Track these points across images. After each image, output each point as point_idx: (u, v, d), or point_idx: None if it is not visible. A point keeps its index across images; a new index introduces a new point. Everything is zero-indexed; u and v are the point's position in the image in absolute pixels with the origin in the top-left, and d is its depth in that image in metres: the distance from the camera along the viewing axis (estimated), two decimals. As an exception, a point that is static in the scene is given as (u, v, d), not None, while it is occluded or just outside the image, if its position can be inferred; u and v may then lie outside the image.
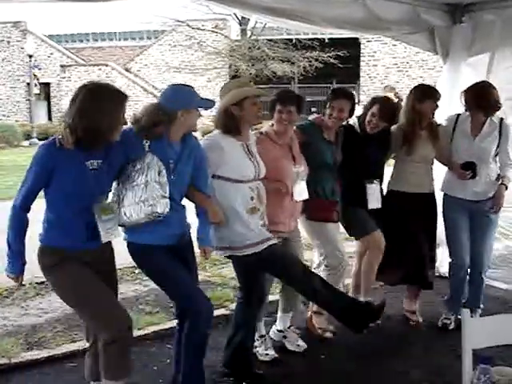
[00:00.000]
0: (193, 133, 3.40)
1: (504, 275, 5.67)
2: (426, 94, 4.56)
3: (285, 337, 4.40)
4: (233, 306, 5.01)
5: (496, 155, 4.56)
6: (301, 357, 4.27)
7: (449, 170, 4.72)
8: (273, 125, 4.01)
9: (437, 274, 5.56)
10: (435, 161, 4.73)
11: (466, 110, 4.58)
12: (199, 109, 3.34)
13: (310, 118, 4.45)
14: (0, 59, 31.25)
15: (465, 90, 4.57)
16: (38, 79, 28.33)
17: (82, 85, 3.04)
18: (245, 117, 3.62)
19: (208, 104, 3.36)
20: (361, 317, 3.72)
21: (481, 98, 4.46)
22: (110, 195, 3.19)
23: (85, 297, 3.07)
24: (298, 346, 4.36)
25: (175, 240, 3.34)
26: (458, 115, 4.66)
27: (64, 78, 30.61)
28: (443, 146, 4.64)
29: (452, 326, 4.68)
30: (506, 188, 4.54)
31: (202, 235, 3.51)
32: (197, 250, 3.53)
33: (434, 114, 4.63)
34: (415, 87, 4.69)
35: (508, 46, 5.28)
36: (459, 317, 4.48)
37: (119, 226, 3.20)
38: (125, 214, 3.12)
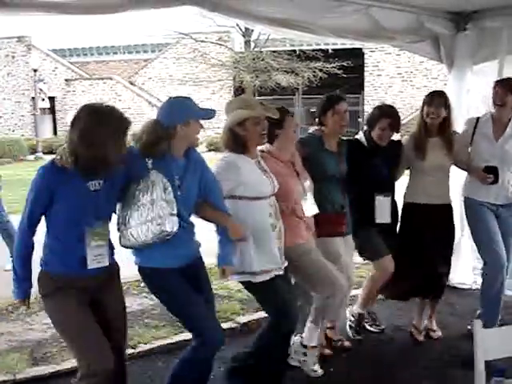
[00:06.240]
0: (198, 145, 3.30)
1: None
2: (429, 99, 4.44)
3: (305, 354, 4.10)
4: (239, 318, 4.99)
5: None
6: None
7: (469, 173, 4.59)
8: (271, 143, 3.84)
9: (447, 284, 5.50)
10: (453, 169, 4.58)
11: (494, 104, 4.41)
12: (200, 120, 3.22)
13: (310, 130, 4.36)
14: (5, 74, 31.40)
15: (498, 81, 4.45)
16: (45, 93, 28.35)
17: (84, 105, 2.92)
18: (248, 137, 3.53)
19: (208, 114, 3.25)
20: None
21: None
22: (114, 217, 3.11)
23: (70, 332, 2.99)
24: (314, 371, 4.08)
25: (186, 261, 3.23)
26: (478, 118, 4.56)
27: (69, 91, 30.81)
28: (459, 151, 4.48)
29: None
30: None
31: (222, 254, 3.37)
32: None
33: (440, 118, 4.39)
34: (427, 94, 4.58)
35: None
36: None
37: (126, 247, 3.13)
38: (132, 235, 3.03)
